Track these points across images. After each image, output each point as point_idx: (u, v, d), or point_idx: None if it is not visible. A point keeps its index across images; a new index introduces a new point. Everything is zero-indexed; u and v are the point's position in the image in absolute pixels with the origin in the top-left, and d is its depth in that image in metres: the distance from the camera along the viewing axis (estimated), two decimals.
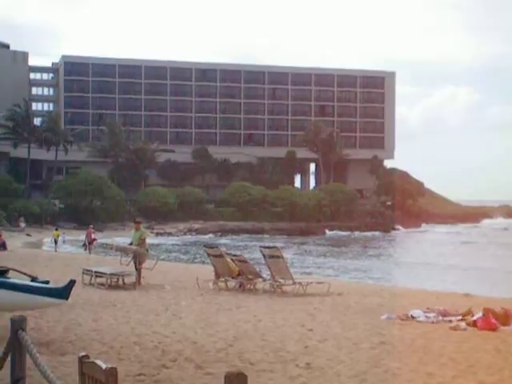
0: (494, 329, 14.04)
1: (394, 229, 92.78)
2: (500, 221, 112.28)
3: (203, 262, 35.73)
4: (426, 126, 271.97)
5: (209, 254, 21.98)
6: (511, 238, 70.90)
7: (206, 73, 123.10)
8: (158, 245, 59.35)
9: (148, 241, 24.06)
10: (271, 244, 30.59)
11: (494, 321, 14.30)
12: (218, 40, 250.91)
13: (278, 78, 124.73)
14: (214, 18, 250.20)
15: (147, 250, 22.44)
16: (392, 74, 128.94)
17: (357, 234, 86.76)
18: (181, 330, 13.22)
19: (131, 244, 22.18)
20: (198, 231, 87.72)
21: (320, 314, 16.04)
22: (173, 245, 67.30)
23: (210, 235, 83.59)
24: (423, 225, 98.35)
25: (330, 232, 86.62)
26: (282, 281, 20.11)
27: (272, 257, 20.24)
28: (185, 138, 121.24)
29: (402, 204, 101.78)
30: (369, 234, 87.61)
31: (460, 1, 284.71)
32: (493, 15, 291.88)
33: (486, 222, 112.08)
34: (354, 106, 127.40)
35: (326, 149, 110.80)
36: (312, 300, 18.61)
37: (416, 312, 15.75)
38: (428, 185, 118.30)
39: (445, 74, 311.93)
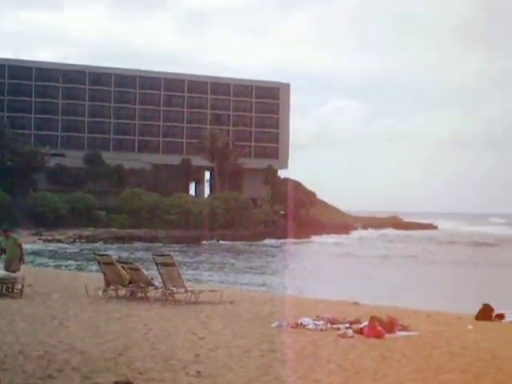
0: (379, 336, 14.44)
1: (286, 238, 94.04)
2: (363, 232, 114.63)
3: (92, 270, 35.07)
4: (318, 137, 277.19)
5: (99, 262, 21.57)
6: (382, 249, 73.20)
7: (100, 77, 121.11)
8: (43, 251, 57.76)
9: (31, 247, 23.26)
10: (164, 251, 30.35)
11: (379, 328, 14.71)
12: (113, 45, 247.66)
13: (173, 84, 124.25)
14: (110, 23, 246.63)
15: (21, 258, 21.17)
16: (287, 86, 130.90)
17: (249, 242, 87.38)
18: (68, 339, 12.89)
19: (4, 252, 20.96)
20: (88, 238, 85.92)
21: (212, 322, 16.04)
22: (62, 252, 65.66)
23: (101, 243, 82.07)
24: (312, 236, 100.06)
25: (224, 242, 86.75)
26: (174, 289, 19.99)
27: (164, 265, 20.08)
28: (77, 143, 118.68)
29: (295, 213, 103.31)
30: (261, 242, 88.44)
31: (351, 15, 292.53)
32: (381, 30, 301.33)
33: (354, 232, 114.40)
34: (249, 115, 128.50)
35: (221, 157, 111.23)
36: (204, 308, 18.58)
37: (306, 320, 15.99)
38: (320, 195, 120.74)
39: (336, 86, 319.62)
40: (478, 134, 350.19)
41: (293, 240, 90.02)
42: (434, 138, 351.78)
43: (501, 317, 19.51)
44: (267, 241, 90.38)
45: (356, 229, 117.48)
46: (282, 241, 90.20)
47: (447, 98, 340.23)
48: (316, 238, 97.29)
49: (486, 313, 19.67)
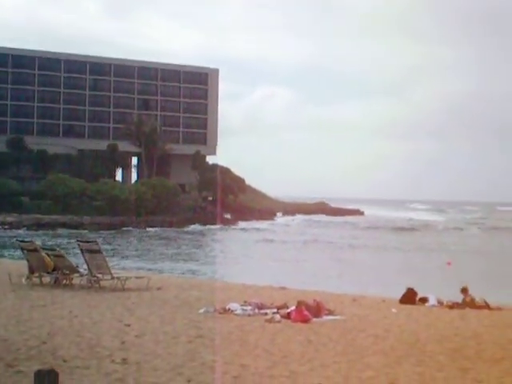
0: (306, 321, 14.60)
1: (214, 224, 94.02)
2: (290, 218, 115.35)
3: (15, 257, 34.27)
4: (247, 124, 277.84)
5: (22, 248, 21.09)
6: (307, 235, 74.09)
7: (23, 60, 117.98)
8: None
9: None
10: (90, 238, 29.89)
11: (306, 313, 14.86)
12: (37, 27, 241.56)
13: (100, 68, 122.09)
14: (33, 4, 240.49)
15: None
16: (215, 71, 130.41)
17: (177, 229, 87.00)
18: None
19: None
20: (12, 225, 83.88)
21: (138, 308, 15.89)
22: None
23: (25, 229, 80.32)
24: (240, 222, 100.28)
25: (151, 229, 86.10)
26: (99, 276, 19.71)
27: (90, 251, 19.78)
28: None
29: (224, 200, 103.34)
30: (189, 228, 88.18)
31: (284, 1, 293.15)
32: (311, 17, 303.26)
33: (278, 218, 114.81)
34: (177, 101, 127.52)
35: (149, 143, 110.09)
36: (131, 295, 18.40)
37: (233, 305, 16.02)
38: (249, 181, 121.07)
39: (265, 73, 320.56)
40: (406, 122, 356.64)
41: (220, 226, 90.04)
42: (363, 126, 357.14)
43: (424, 300, 19.98)
44: (195, 227, 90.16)
45: (281, 215, 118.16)
46: (209, 227, 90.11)
47: (376, 86, 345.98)
48: (244, 224, 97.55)
49: (409, 297, 20.12)
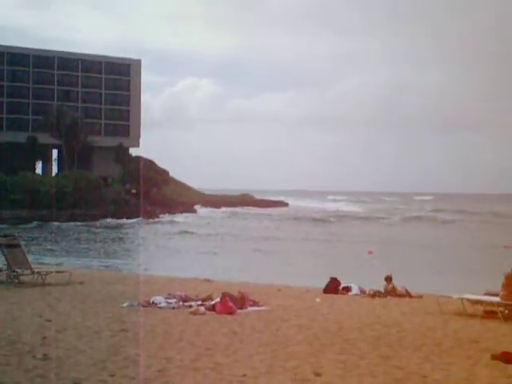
0: (231, 312, 14.61)
1: (138, 217, 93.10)
2: (211, 210, 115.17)
3: None
4: (170, 116, 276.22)
5: None
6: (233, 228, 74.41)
7: None
8: None
9: None
10: (8, 232, 29.11)
11: (231, 304, 14.88)
12: None
13: (18, 59, 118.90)
14: None
15: None
16: (138, 62, 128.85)
17: (99, 222, 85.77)
18: None
19: None
20: None
21: (60, 303, 15.59)
22: None
23: None
24: (164, 215, 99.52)
25: (72, 222, 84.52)
26: (19, 271, 19.24)
27: (9, 246, 19.28)
28: None
29: (147, 192, 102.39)
30: (112, 221, 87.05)
31: None
32: (234, 9, 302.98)
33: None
34: (99, 92, 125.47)
35: (70, 135, 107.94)
36: (52, 290, 18.05)
37: (157, 298, 15.90)
38: (173, 173, 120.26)
39: (188, 64, 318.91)
40: (331, 113, 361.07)
41: (143, 219, 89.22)
42: (286, 118, 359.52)
43: (347, 290, 20.31)
44: (117, 220, 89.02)
45: (204, 207, 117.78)
46: (132, 220, 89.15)
47: (301, 78, 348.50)
48: (167, 217, 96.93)
49: (333, 286, 20.42)
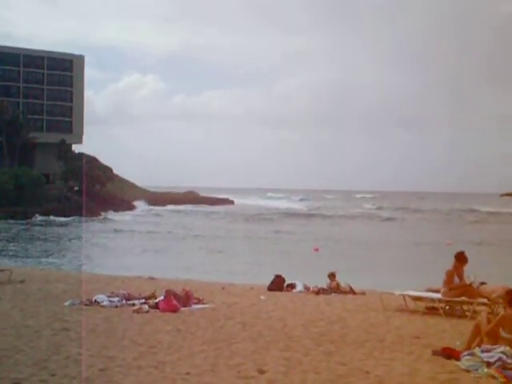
0: (175, 310, 14.52)
1: (81, 215, 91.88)
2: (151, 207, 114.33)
3: None
4: (113, 112, 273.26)
5: None
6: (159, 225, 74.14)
7: None
8: None
9: None
10: None
11: (175, 302, 14.78)
12: None
13: None
14: None
15: None
16: (81, 58, 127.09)
17: (40, 219, 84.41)
18: None
19: None
20: None
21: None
22: None
23: None
24: (107, 212, 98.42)
25: (13, 220, 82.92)
26: None
27: None
28: None
29: (90, 189, 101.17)
30: (54, 219, 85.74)
31: None
32: (180, 5, 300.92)
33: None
34: (41, 87, 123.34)
35: (11, 131, 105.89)
36: None
37: (100, 297, 15.70)
38: (116, 170, 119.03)
39: (132, 61, 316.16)
40: (274, 111, 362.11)
41: (86, 217, 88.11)
42: (232, 115, 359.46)
43: (291, 287, 20.41)
44: (59, 218, 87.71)
45: (148, 205, 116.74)
46: (74, 218, 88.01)
47: (246, 76, 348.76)
48: (110, 215, 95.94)
49: (277, 283, 20.49)
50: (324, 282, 20.49)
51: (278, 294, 19.30)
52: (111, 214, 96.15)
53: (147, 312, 14.30)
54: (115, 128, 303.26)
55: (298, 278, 21.17)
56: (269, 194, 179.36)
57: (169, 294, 15.00)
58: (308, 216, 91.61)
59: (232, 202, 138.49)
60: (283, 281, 20.75)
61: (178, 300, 15.00)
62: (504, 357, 9.35)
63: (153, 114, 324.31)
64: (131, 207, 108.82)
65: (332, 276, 20.66)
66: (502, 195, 20.34)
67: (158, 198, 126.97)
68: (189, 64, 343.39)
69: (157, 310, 14.50)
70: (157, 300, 15.15)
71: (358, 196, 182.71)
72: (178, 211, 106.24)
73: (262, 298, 17.99)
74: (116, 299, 15.58)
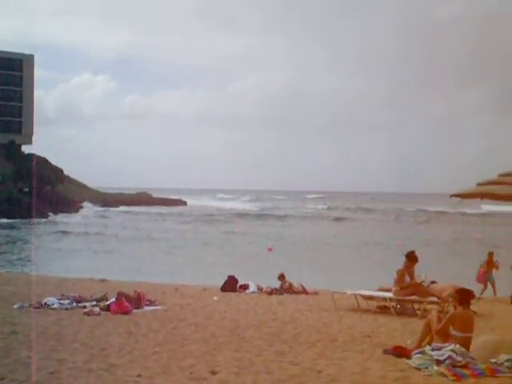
0: (126, 312, 14.40)
1: (31, 216, 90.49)
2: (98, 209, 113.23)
3: None
4: (64, 113, 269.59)
5: None
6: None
7: None
8: None
9: None
10: None
11: (126, 304, 14.66)
12: None
13: None
14: None
15: None
16: (30, 57, 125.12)
17: None
18: None
19: None
20: None
21: None
22: None
23: None
24: (59, 213, 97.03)
25: None
26: None
27: None
28: None
29: (41, 191, 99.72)
30: (3, 221, 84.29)
31: None
32: (131, 5, 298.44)
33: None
34: None
35: None
36: None
37: (50, 299, 15.48)
38: (67, 171, 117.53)
39: (83, 61, 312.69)
40: (227, 112, 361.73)
41: (36, 218, 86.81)
42: (183, 115, 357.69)
43: (244, 287, 20.43)
44: (5, 220, 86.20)
45: (97, 206, 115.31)
46: (24, 219, 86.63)
47: (197, 75, 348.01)
48: (60, 216, 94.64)
49: (230, 284, 20.48)
50: (278, 283, 20.55)
51: (231, 294, 19.29)
52: (61, 216, 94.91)
53: (98, 314, 14.15)
54: (66, 128, 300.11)
55: (251, 279, 21.20)
56: (219, 195, 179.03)
57: (120, 295, 14.86)
58: (260, 216, 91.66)
59: (185, 203, 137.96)
60: (236, 281, 20.75)
61: (129, 302, 14.88)
62: (454, 355, 9.49)
63: (104, 114, 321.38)
64: (82, 208, 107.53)
65: (282, 277, 20.73)
66: (452, 196, 20.63)
67: (109, 199, 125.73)
68: (140, 64, 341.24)
69: (108, 313, 14.36)
70: (108, 302, 15.00)
71: (309, 196, 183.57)
72: (130, 212, 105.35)
73: (215, 298, 17.96)
74: (66, 302, 15.39)
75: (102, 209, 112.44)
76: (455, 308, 10.40)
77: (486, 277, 20.72)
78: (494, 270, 20.93)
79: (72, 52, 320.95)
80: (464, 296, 10.40)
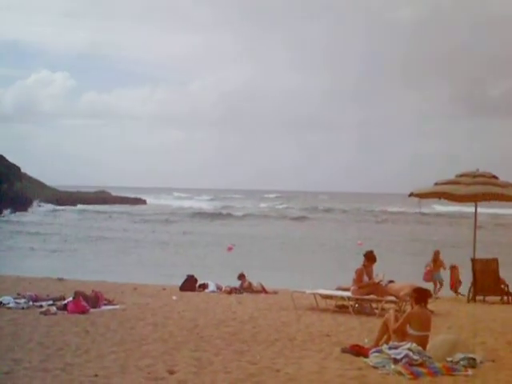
0: (84, 311, 14.27)
1: None
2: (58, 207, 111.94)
3: None
4: (22, 110, 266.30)
5: None
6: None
7: None
8: None
9: None
10: None
11: (84, 303, 14.52)
12: None
13: None
14: None
15: None
16: None
17: None
18: None
19: None
20: None
21: None
22: None
23: None
24: (15, 212, 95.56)
25: None
26: None
27: None
28: None
29: None
30: None
31: None
32: (89, 2, 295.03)
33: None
34: None
35: None
36: None
37: (6, 298, 15.27)
38: (25, 169, 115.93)
39: (41, 57, 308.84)
40: (184, 111, 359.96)
41: None
42: (142, 114, 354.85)
43: (204, 287, 20.38)
44: None
45: (54, 204, 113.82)
46: None
47: (154, 74, 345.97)
48: (15, 215, 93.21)
49: (190, 284, 20.42)
50: (237, 282, 20.55)
51: (190, 294, 19.24)
52: (17, 214, 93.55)
53: (55, 314, 13.99)
54: (23, 126, 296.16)
55: (210, 278, 21.15)
56: (177, 194, 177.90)
57: (78, 295, 14.72)
58: (218, 215, 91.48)
59: (144, 202, 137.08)
60: (195, 281, 20.69)
61: (87, 301, 14.74)
62: (411, 353, 9.58)
63: (62, 111, 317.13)
64: (38, 207, 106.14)
65: (242, 276, 20.75)
66: (410, 195, 20.87)
67: (67, 198, 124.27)
68: (99, 61, 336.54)
69: (65, 312, 14.21)
70: (65, 301, 14.84)
71: (267, 196, 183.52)
72: (88, 211, 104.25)
73: (174, 298, 17.89)
74: (23, 301, 15.18)
75: (59, 207, 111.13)
76: (412, 307, 10.50)
77: (431, 276, 20.92)
78: (441, 269, 21.14)
79: (30, 49, 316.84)
80: (421, 295, 10.52)
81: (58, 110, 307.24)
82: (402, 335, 10.21)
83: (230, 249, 36.86)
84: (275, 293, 19.92)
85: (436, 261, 21.16)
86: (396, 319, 10.48)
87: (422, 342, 10.06)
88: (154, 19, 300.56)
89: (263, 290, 20.22)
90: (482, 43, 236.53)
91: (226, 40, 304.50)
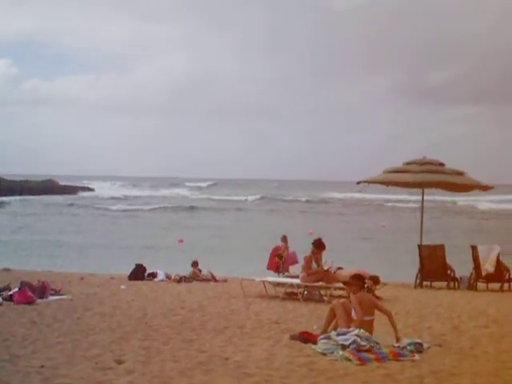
0: (30, 302, 14.06)
1: None
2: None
3: None
4: None
5: None
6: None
7: None
8: None
9: None
10: None
11: (30, 294, 14.30)
12: None
13: None
14: None
15: None
16: None
17: None
18: None
19: None
20: None
21: None
22: None
23: None
24: None
25: None
26: None
27: None
28: None
29: None
30: None
31: None
32: None
33: None
34: None
35: None
36: None
37: None
38: None
39: None
40: (128, 97, 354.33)
41: None
42: (86, 101, 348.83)
43: (153, 276, 20.25)
44: None
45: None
46: None
47: (99, 61, 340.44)
48: None
49: (138, 272, 20.28)
50: (187, 271, 20.50)
51: (138, 283, 19.12)
52: None
53: (1, 304, 13.76)
54: None
55: (161, 267, 21.06)
56: (126, 183, 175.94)
57: (24, 285, 14.50)
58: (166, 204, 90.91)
59: (92, 190, 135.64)
60: (144, 270, 20.58)
61: (33, 291, 14.52)
62: (358, 339, 9.68)
63: (5, 99, 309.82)
64: None
65: (195, 264, 20.74)
66: (359, 183, 21.04)
67: (12, 187, 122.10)
68: (42, 48, 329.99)
69: (11, 303, 13.99)
70: (11, 292, 14.59)
71: (212, 183, 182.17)
72: (34, 201, 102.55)
73: (123, 287, 17.75)
74: None
75: (5, 198, 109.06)
76: (354, 293, 10.59)
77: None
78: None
79: None
80: (357, 280, 10.68)
81: (0, 96, 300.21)
82: (348, 321, 10.34)
83: (180, 241, 36.73)
84: (225, 281, 19.95)
85: (285, 247, 20.80)
86: (343, 306, 10.56)
87: (368, 326, 10.17)
88: (99, 6, 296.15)
89: (213, 278, 20.21)
90: (424, 31, 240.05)
91: (167, 27, 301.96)
